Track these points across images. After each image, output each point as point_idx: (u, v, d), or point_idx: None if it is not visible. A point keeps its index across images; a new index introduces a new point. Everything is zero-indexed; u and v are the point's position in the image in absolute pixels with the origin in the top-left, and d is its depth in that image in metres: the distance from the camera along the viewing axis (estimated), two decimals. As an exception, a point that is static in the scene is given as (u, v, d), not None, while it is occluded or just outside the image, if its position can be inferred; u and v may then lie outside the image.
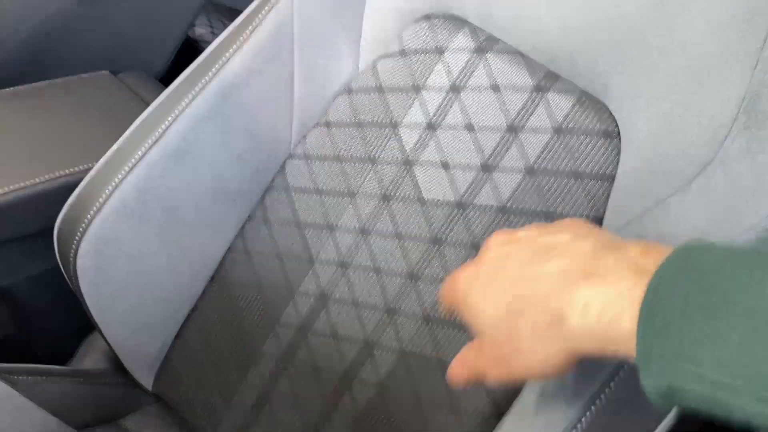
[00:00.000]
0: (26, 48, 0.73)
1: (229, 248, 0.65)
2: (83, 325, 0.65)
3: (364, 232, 0.57)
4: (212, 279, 0.65)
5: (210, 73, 0.59)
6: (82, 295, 0.61)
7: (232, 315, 0.62)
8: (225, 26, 1.20)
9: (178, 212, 0.61)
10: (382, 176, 0.57)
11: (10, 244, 0.66)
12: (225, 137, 0.61)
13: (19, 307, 0.68)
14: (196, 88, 0.59)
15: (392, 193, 0.56)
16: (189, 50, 0.93)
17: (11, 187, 0.62)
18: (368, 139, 0.59)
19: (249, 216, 0.64)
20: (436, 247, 0.53)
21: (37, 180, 0.63)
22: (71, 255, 0.59)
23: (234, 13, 1.30)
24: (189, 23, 0.85)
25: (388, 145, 0.57)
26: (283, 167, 0.63)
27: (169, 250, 0.62)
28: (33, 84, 0.74)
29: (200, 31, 1.11)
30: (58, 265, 0.63)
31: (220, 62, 0.59)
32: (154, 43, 0.84)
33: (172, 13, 0.83)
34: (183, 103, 0.59)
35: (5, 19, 0.70)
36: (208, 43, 1.12)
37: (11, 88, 0.73)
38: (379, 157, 0.58)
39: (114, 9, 0.78)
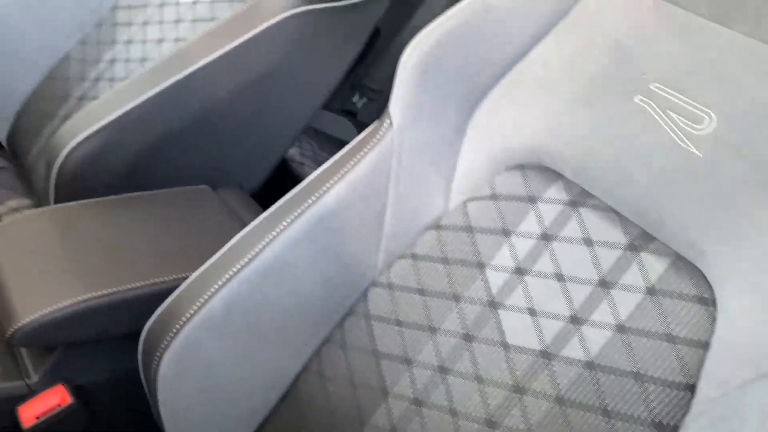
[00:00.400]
0: (137, 160, 0.79)
1: (304, 368, 0.65)
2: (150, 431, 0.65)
3: (442, 370, 0.57)
4: (284, 397, 0.65)
5: (310, 200, 0.62)
6: (157, 403, 0.62)
7: (300, 437, 0.62)
8: (312, 147, 1.28)
9: (260, 328, 0.62)
10: (465, 315, 0.58)
11: (96, 343, 0.68)
12: (315, 260, 0.63)
13: (94, 406, 0.69)
14: (295, 213, 0.62)
15: (475, 334, 0.56)
16: (280, 168, 0.99)
17: (107, 290, 0.65)
18: (454, 276, 0.60)
19: (326, 338, 0.65)
20: (518, 395, 0.52)
21: (130, 285, 0.66)
22: (155, 362, 0.61)
23: (321, 135, 1.38)
24: (288, 145, 0.91)
25: (473, 284, 0.58)
26: (365, 294, 0.65)
27: (246, 364, 0.63)
28: (137, 193, 0.79)
29: (291, 151, 1.18)
30: (136, 369, 0.64)
31: (321, 191, 0.62)
32: (253, 162, 0.90)
33: (274, 135, 0.89)
34: (281, 227, 0.61)
35: (124, 134, 0.76)
36: (297, 162, 1.19)
37: (116, 196, 0.79)
38: (463, 295, 0.58)
39: (220, 127, 0.84)
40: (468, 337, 0.57)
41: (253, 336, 0.63)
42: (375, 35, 1.01)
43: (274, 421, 0.64)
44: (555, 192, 0.57)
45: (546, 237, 0.56)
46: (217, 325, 0.61)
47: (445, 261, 0.61)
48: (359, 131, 1.55)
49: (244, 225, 0.80)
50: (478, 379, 0.55)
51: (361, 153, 0.62)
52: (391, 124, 0.62)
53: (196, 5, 0.95)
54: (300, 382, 0.65)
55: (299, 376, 0.65)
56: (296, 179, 1.18)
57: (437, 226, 0.63)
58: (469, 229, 0.60)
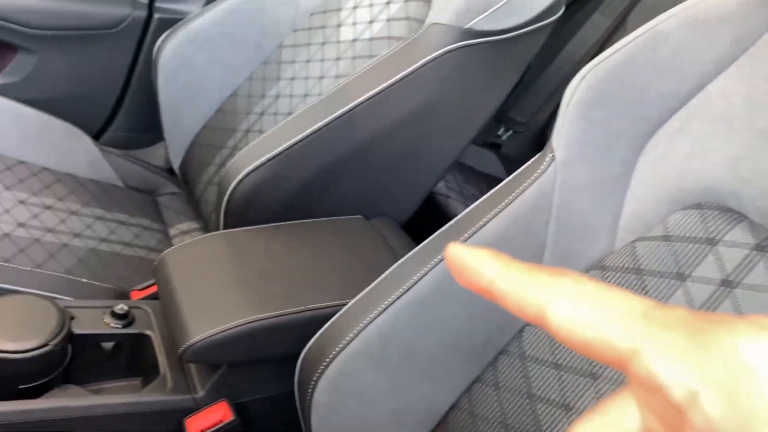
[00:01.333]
0: (299, 190, 0.83)
1: (454, 406, 0.64)
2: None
3: (606, 420, 0.53)
4: (433, 434, 0.64)
5: (467, 233, 0.61)
6: (310, 427, 0.64)
7: (449, 478, 0.60)
8: (457, 180, 1.28)
9: (413, 361, 0.62)
10: (633, 363, 0.54)
11: (258, 364, 0.72)
12: (471, 295, 0.62)
13: (251, 424, 0.72)
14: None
15: (643, 384, 0.53)
16: (425, 200, 1.00)
17: (270, 314, 0.68)
18: (619, 320, 0.56)
19: (478, 377, 0.64)
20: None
21: (291, 310, 0.69)
22: (310, 386, 0.63)
23: (465, 169, 1.38)
24: (438, 179, 0.92)
25: (642, 331, 0.54)
26: (521, 333, 0.63)
27: (397, 396, 0.63)
28: (297, 221, 0.83)
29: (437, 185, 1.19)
30: (292, 391, 0.66)
31: (479, 225, 0.61)
32: (404, 194, 0.91)
33: (425, 169, 0.90)
34: (437, 259, 0.61)
35: (288, 166, 0.81)
36: (443, 195, 1.19)
37: (278, 224, 0.83)
38: (630, 341, 0.55)
39: (376, 161, 0.86)
40: (635, 387, 0.53)
41: (407, 368, 0.63)
42: (526, 68, 1.00)
43: (423, 458, 0.63)
44: (738, 234, 0.52)
45: (727, 283, 0.51)
46: (372, 354, 0.61)
47: (609, 303, 0.57)
48: (504, 164, 1.53)
49: (396, 255, 0.82)
50: None
51: (522, 187, 0.61)
52: (553, 158, 0.60)
53: (356, 43, 0.99)
54: (449, 420, 0.64)
55: (449, 413, 0.64)
56: (441, 212, 1.19)
57: (601, 267, 0.60)
58: (638, 271, 0.57)
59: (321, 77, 1.01)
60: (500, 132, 1.51)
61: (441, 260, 0.61)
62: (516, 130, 1.49)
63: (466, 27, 0.82)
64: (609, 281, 0.58)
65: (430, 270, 0.62)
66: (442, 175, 0.93)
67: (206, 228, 1.11)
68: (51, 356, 0.65)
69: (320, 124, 0.80)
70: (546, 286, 0.23)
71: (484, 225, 0.62)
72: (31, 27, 1.14)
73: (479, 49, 0.83)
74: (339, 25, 1.04)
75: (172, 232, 1.14)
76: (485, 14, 0.81)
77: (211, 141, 1.13)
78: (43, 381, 0.66)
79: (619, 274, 0.58)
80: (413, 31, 0.92)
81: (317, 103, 0.84)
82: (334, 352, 0.61)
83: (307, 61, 1.05)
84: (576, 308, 0.22)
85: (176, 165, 1.21)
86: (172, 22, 1.18)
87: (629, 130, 0.60)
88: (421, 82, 0.83)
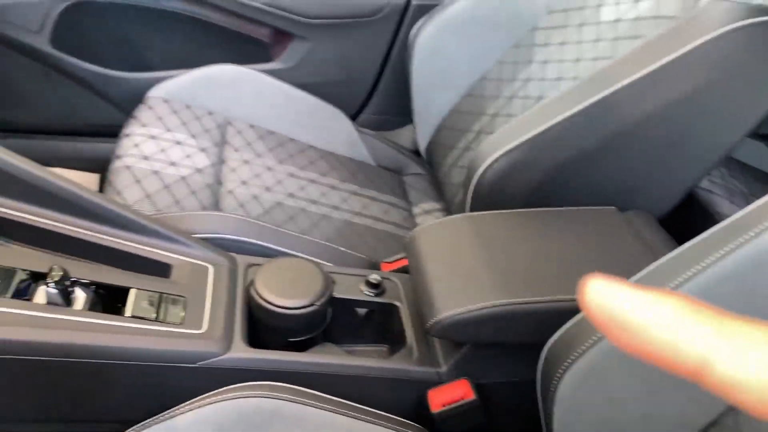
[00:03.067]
0: (549, 177, 0.81)
1: (715, 422, 0.58)
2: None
3: None
4: (686, 449, 0.59)
5: (746, 236, 0.55)
6: (551, 420, 0.63)
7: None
8: (722, 174, 1.15)
9: (670, 368, 0.58)
10: None
11: (501, 348, 0.72)
12: (746, 303, 0.55)
13: (490, 407, 0.73)
14: (725, 249, 0.55)
15: None
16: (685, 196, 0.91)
17: (517, 299, 0.68)
18: None
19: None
20: None
21: (538, 298, 0.68)
22: (555, 378, 0.61)
23: (732, 162, 1.24)
24: (705, 172, 0.83)
25: None
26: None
27: (649, 402, 0.59)
28: (546, 208, 0.81)
29: (700, 177, 1.08)
30: (532, 380, 0.66)
31: (760, 227, 0.54)
32: (663, 187, 0.84)
33: (690, 161, 0.82)
34: (706, 261, 0.56)
35: (539, 151, 0.79)
36: (704, 189, 1.08)
37: (526, 209, 0.82)
38: None
39: (634, 149, 0.81)
40: None
41: (663, 374, 0.58)
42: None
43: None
44: None
45: None
46: (627, 355, 0.58)
47: None
48: (778, 160, 1.33)
49: (652, 251, 0.76)
50: None
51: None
52: None
53: (618, 24, 0.93)
54: (709, 436, 0.58)
55: (707, 430, 0.58)
56: (701, 208, 1.08)
57: None
58: None
59: (577, 60, 0.97)
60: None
61: (712, 263, 0.56)
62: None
63: (757, 2, 0.72)
64: None
65: (698, 273, 0.56)
66: (710, 168, 0.84)
67: (448, 209, 1.14)
68: (316, 315, 0.72)
69: (578, 108, 0.77)
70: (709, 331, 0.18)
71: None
72: (307, 17, 1.26)
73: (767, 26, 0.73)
74: (600, 5, 0.99)
75: (416, 210, 1.19)
76: (782, -13, 0.71)
77: (458, 124, 1.15)
78: (308, 336, 0.74)
79: None
80: (687, 9, 0.84)
81: (575, 87, 0.81)
82: (584, 346, 0.59)
83: (562, 43, 1.01)
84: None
85: (423, 147, 1.25)
86: (428, 8, 1.22)
87: None
88: (695, 66, 0.75)
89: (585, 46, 0.97)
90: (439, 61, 1.16)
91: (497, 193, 0.82)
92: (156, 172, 0.97)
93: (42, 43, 1.23)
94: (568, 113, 0.78)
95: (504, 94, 1.09)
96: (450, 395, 0.70)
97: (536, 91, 1.02)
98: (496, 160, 0.81)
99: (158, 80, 1.17)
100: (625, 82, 0.77)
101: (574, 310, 0.62)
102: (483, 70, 1.14)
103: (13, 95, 1.30)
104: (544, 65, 1.03)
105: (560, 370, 0.61)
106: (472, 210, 0.85)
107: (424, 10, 1.23)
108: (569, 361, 0.61)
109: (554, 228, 0.78)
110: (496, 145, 0.81)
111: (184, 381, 0.66)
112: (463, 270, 0.72)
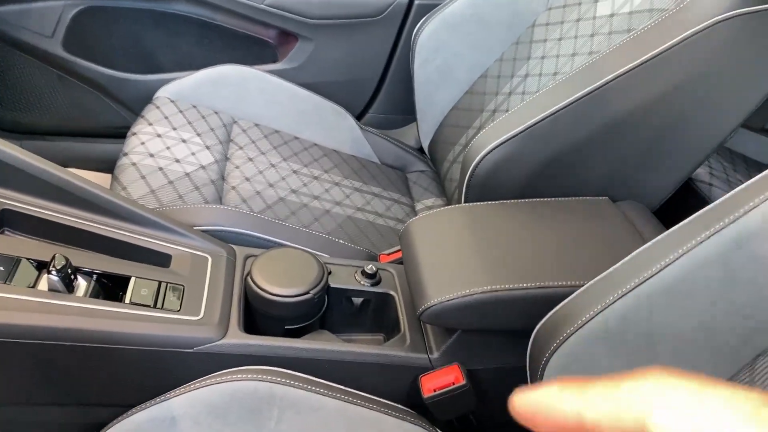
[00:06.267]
0: (542, 168, 0.82)
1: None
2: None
3: None
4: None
5: (726, 219, 0.55)
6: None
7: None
8: (724, 168, 1.15)
9: (653, 352, 0.59)
10: None
11: (491, 334, 0.73)
12: (727, 287, 0.56)
13: (481, 392, 0.74)
14: (707, 232, 0.56)
15: None
16: (683, 187, 0.91)
17: (506, 286, 0.69)
18: None
19: (732, 376, 0.58)
20: None
21: (527, 285, 0.69)
22: (542, 362, 0.62)
23: (735, 155, 1.23)
24: (698, 164, 0.84)
25: None
26: (788, 335, 0.55)
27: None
28: (539, 199, 0.83)
29: (698, 170, 1.09)
30: (524, 366, 0.67)
31: (742, 210, 0.55)
32: (657, 178, 0.85)
33: (682, 152, 0.83)
34: (689, 244, 0.57)
35: (532, 143, 0.80)
36: (705, 183, 1.09)
37: (519, 200, 0.83)
38: None
39: (626, 140, 0.82)
40: None
41: (647, 358, 0.59)
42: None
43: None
44: None
45: None
46: (610, 339, 0.59)
47: None
48: (786, 153, 1.33)
49: (644, 240, 0.77)
50: None
51: (805, 170, 0.53)
52: None
53: (613, 18, 0.94)
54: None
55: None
56: (702, 200, 1.08)
57: None
58: None
59: (573, 54, 0.98)
60: (782, 117, 1.32)
61: (694, 246, 0.57)
62: (803, 114, 1.29)
63: (745, -8, 0.73)
64: None
65: (681, 255, 0.57)
66: (703, 159, 0.84)
67: (449, 204, 1.15)
68: (311, 303, 0.74)
69: (568, 100, 0.78)
70: (640, 395, 0.21)
71: (750, 210, 0.55)
72: (312, 18, 1.29)
73: (759, 17, 0.74)
74: (596, 0, 1.00)
75: (419, 206, 1.20)
76: (769, -24, 0.72)
77: (459, 121, 1.17)
78: (304, 324, 0.76)
79: None
80: (679, 2, 0.85)
81: (566, 80, 0.82)
82: (568, 331, 0.61)
83: (560, 39, 1.02)
84: (677, 418, 0.20)
85: (425, 144, 1.27)
86: (430, 7, 1.24)
87: None
88: (686, 56, 0.76)
89: (581, 41, 0.98)
90: (441, 58, 1.18)
91: (491, 186, 0.84)
92: (161, 169, 0.99)
93: (55, 47, 1.26)
94: (558, 105, 0.79)
95: (503, 91, 1.10)
96: (442, 380, 0.71)
97: (534, 87, 1.03)
98: (489, 153, 0.82)
99: (167, 81, 1.20)
100: (615, 74, 0.78)
101: (562, 296, 0.63)
102: (484, 66, 1.15)
103: (28, 98, 1.34)
104: (542, 61, 1.04)
105: (546, 354, 0.62)
106: (466, 202, 0.86)
107: (427, 10, 1.24)
108: (555, 344, 0.62)
109: (546, 217, 0.79)
110: (489, 138, 0.82)
111: (182, 366, 0.68)
112: (454, 258, 0.74)
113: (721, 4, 0.75)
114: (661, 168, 0.84)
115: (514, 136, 0.81)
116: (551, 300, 0.64)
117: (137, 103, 1.29)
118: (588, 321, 0.59)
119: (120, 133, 1.27)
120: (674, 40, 0.76)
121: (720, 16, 0.75)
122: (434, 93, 1.21)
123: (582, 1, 1.02)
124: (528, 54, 1.08)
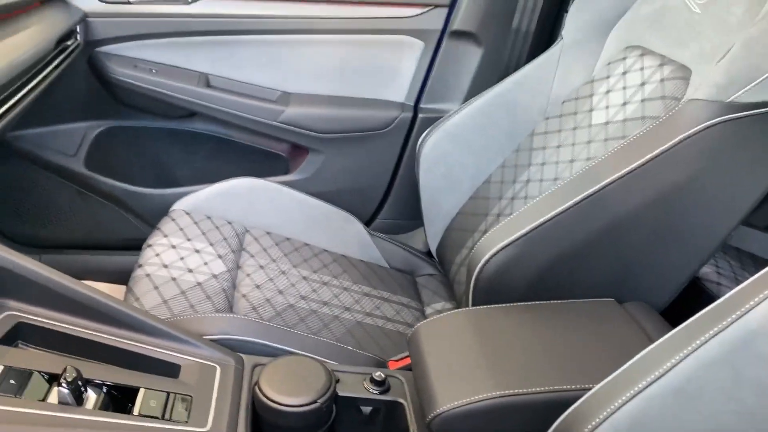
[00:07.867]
0: (545, 270, 0.83)
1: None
2: None
3: None
4: None
5: (729, 318, 0.56)
6: None
7: None
8: (731, 267, 1.16)
9: (667, 455, 0.57)
10: None
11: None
12: (735, 388, 0.56)
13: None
14: (712, 332, 0.56)
15: None
16: (690, 286, 0.92)
17: (515, 390, 0.68)
18: None
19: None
20: None
21: (536, 389, 0.68)
22: (554, 469, 0.61)
23: (743, 254, 1.24)
24: (701, 263, 0.85)
25: None
26: (802, 437, 0.54)
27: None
28: (545, 302, 0.83)
29: (705, 270, 1.09)
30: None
31: (744, 309, 0.55)
32: (661, 278, 0.86)
33: (684, 252, 0.84)
34: (694, 345, 0.57)
35: (534, 246, 0.82)
36: (713, 282, 1.09)
37: (525, 303, 0.84)
38: None
39: (627, 241, 0.83)
40: None
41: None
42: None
43: None
44: None
45: None
46: (620, 442, 0.58)
47: None
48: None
49: (651, 341, 0.77)
50: None
51: (798, 269, 0.54)
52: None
53: (608, 125, 0.98)
54: None
55: None
56: (710, 300, 1.08)
57: None
58: None
59: (571, 161, 1.02)
60: (786, 214, 1.34)
61: (701, 345, 0.57)
62: (806, 211, 1.30)
63: (729, 101, 0.77)
64: None
65: (688, 355, 0.57)
66: (706, 258, 0.85)
67: (458, 307, 1.16)
68: (319, 413, 0.73)
69: (568, 204, 0.81)
70: None
71: (752, 309, 0.56)
72: (321, 132, 1.36)
73: (744, 123, 0.77)
74: (591, 110, 1.05)
75: (428, 310, 1.21)
76: (749, 87, 0.76)
77: (465, 225, 1.19)
78: (312, 434, 0.75)
79: None
80: (669, 110, 0.89)
81: (566, 184, 0.85)
82: (579, 436, 0.59)
83: (558, 146, 1.07)
84: None
85: (433, 248, 1.29)
86: (433, 119, 1.30)
87: None
88: (678, 160, 0.79)
89: (578, 148, 1.02)
90: (445, 167, 1.22)
91: (497, 288, 0.85)
92: (174, 279, 1.01)
93: (77, 165, 1.33)
94: (559, 209, 0.81)
95: (506, 196, 1.13)
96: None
97: (536, 192, 1.06)
98: (492, 256, 0.83)
99: (183, 195, 1.25)
100: (612, 177, 0.81)
101: (571, 400, 0.63)
102: (487, 173, 1.19)
103: (48, 213, 1.39)
104: (542, 167, 1.08)
105: (558, 461, 0.61)
106: (473, 305, 0.87)
107: (431, 122, 1.31)
108: (566, 451, 0.60)
109: (553, 320, 0.79)
110: (493, 241, 0.84)
111: (188, 479, 0.67)
112: (462, 363, 0.73)
113: (708, 112, 0.79)
114: (664, 267, 0.85)
115: (517, 239, 0.83)
116: (561, 404, 0.63)
117: (154, 216, 1.34)
118: (599, 425, 0.58)
119: (136, 246, 1.30)
120: (667, 144, 0.80)
121: (709, 122, 0.78)
122: (440, 199, 1.25)
123: (578, 110, 1.07)
124: (529, 161, 1.12)
